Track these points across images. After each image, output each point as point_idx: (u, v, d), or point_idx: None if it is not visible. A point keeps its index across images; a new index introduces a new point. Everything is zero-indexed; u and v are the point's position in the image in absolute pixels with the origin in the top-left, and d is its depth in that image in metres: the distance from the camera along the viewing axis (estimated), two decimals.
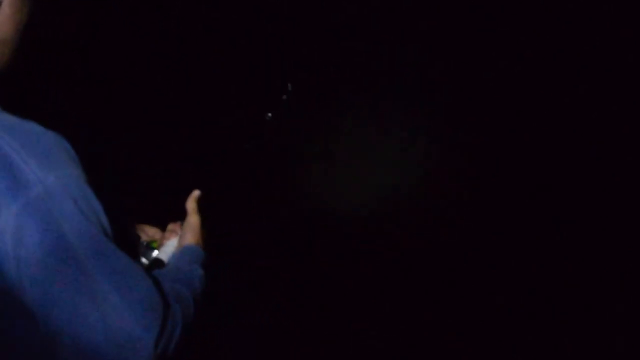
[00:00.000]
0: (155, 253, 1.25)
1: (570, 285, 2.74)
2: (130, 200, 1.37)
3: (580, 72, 3.04)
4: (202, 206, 1.27)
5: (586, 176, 2.97)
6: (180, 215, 1.27)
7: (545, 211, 2.97)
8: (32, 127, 0.86)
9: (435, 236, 2.92)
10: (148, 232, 1.31)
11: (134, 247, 1.23)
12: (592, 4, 2.96)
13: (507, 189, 3.03)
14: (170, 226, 1.29)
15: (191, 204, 1.25)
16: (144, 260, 1.24)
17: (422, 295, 2.78)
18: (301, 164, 3.07)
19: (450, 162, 3.08)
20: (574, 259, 2.81)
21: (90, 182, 0.87)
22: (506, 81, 3.08)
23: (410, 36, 3.12)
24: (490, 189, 3.03)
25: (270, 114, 1.39)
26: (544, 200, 2.98)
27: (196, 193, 1.26)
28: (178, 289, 0.97)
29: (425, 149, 3.13)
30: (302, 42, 3.02)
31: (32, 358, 0.88)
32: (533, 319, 2.68)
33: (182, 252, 1.16)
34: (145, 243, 1.28)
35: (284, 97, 1.42)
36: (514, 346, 2.59)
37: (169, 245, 1.25)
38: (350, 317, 2.68)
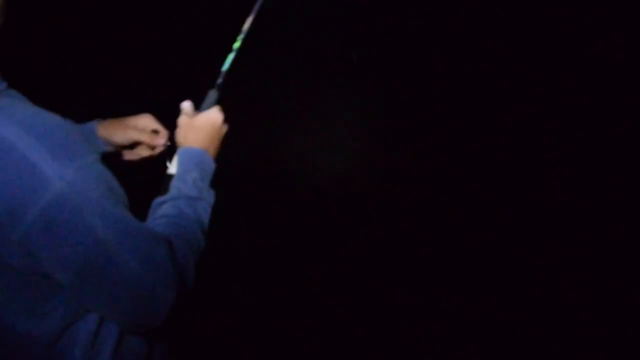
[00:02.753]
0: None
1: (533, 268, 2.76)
2: None
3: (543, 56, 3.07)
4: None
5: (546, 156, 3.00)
6: None
7: (509, 189, 3.00)
8: (43, 118, 0.86)
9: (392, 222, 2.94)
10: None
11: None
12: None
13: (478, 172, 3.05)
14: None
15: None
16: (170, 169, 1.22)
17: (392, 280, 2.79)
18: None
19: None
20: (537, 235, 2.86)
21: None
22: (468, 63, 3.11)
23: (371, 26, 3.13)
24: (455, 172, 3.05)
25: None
26: (510, 180, 3.02)
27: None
28: (187, 237, 1.03)
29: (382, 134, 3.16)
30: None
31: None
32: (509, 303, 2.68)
33: (189, 165, 1.17)
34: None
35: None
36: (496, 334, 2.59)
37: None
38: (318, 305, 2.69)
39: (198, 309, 2.57)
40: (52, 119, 0.86)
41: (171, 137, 1.30)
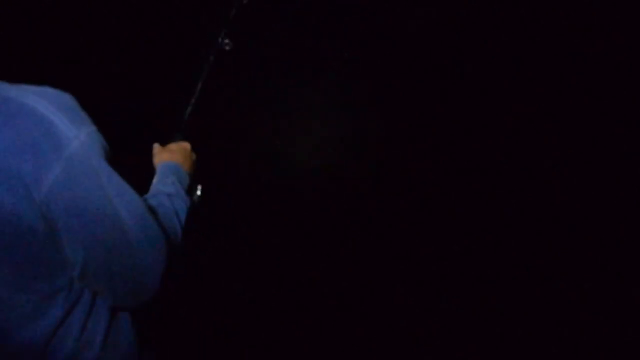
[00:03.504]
0: (199, 190, 1.41)
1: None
2: None
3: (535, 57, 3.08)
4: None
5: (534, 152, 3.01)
6: None
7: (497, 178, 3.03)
8: (55, 90, 0.95)
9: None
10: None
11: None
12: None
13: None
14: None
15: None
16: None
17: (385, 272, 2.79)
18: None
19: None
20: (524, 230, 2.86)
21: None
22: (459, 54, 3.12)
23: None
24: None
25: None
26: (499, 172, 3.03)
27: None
28: (167, 223, 1.12)
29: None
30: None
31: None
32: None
33: (167, 173, 1.32)
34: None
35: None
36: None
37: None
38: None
39: (197, 309, 2.58)
40: (60, 91, 0.95)
41: None
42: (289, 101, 3.13)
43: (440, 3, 3.10)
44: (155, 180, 1.30)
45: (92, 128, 0.94)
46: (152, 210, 1.08)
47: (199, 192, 1.41)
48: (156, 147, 1.46)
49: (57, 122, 0.89)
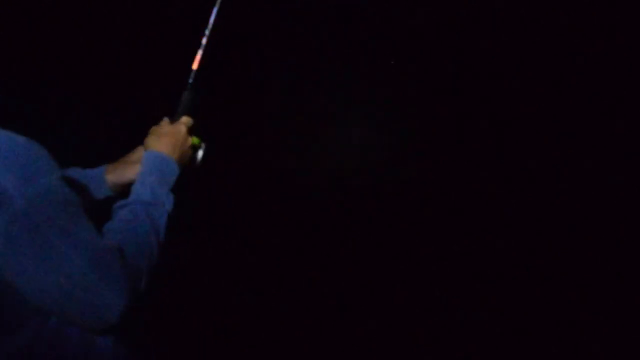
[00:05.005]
0: (200, 153, 1.35)
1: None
2: None
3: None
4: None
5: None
6: None
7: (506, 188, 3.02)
8: (5, 138, 0.93)
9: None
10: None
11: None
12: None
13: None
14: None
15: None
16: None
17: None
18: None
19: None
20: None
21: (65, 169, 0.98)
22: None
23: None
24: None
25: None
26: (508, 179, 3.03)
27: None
28: (140, 242, 1.09)
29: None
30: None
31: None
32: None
33: (151, 168, 1.24)
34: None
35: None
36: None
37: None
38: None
39: (197, 309, 2.58)
40: (14, 139, 0.93)
41: None
42: (293, 103, 3.13)
43: (446, 3, 3.10)
44: (137, 176, 1.24)
45: (47, 179, 0.92)
46: (119, 241, 1.05)
47: (201, 154, 1.35)
48: (153, 127, 1.35)
49: (1, 180, 0.87)
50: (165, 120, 1.36)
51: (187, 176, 1.30)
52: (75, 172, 1.35)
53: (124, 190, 1.35)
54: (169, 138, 1.30)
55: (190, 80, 1.36)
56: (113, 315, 0.95)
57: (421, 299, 2.77)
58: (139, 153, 1.36)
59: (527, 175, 3.06)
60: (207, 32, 1.37)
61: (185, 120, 1.36)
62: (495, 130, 3.10)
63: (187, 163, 1.33)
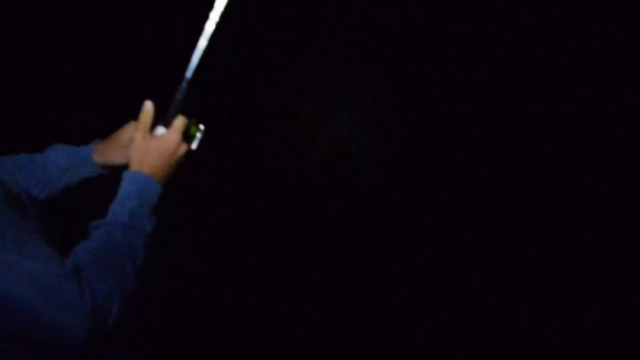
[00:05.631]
0: (196, 143, 1.26)
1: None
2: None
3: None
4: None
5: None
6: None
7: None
8: None
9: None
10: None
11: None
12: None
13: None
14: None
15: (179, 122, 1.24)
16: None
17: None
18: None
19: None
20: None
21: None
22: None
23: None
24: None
25: None
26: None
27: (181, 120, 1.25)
28: (113, 265, 1.04)
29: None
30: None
31: None
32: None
33: (131, 191, 1.16)
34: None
35: None
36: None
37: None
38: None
39: (197, 309, 2.58)
40: None
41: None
42: (292, 100, 3.13)
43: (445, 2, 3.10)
44: (118, 194, 1.16)
45: None
46: (87, 263, 1.01)
47: (198, 137, 1.26)
48: (138, 136, 1.20)
49: None
50: (144, 120, 1.22)
51: (183, 163, 1.24)
52: (61, 150, 1.30)
53: (113, 171, 1.30)
54: (156, 156, 1.19)
55: (187, 75, 1.23)
56: (79, 341, 0.92)
57: (421, 300, 2.77)
58: (128, 130, 1.27)
59: (527, 175, 3.06)
60: (207, 27, 1.22)
61: (180, 124, 1.22)
62: (494, 129, 3.10)
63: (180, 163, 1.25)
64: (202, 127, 1.27)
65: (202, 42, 1.21)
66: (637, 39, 2.98)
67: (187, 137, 1.26)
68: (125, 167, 1.24)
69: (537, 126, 3.09)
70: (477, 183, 3.06)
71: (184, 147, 1.22)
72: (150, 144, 1.19)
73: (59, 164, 1.28)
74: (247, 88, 3.03)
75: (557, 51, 3.09)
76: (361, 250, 2.94)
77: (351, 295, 2.77)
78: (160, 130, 1.24)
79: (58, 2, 2.64)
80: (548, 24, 3.06)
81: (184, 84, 1.23)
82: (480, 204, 3.02)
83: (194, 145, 1.26)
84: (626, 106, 3.02)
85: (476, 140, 3.11)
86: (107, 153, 1.27)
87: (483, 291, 2.77)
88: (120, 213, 1.12)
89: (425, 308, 2.74)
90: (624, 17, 2.98)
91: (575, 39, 3.05)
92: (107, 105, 2.62)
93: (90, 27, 2.75)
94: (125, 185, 1.16)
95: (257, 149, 3.08)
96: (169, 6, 2.80)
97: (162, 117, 1.25)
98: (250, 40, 2.94)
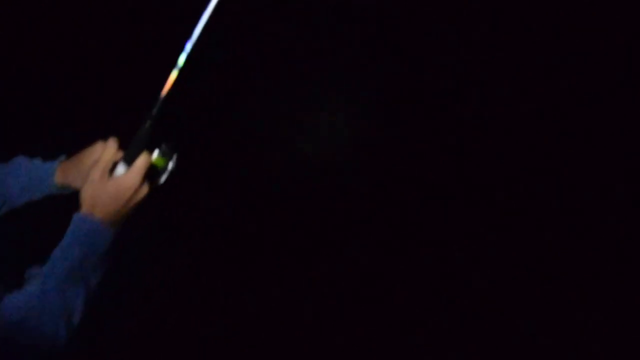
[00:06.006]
0: (164, 177, 1.13)
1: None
2: None
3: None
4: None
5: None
6: None
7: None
8: None
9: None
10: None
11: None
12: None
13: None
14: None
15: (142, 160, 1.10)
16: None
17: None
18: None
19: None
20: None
21: None
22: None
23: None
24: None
25: None
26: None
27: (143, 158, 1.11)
28: (38, 325, 0.99)
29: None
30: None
31: None
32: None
33: (77, 238, 1.05)
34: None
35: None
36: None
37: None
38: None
39: (196, 309, 2.58)
40: None
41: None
42: (290, 100, 3.13)
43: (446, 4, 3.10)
44: (64, 238, 1.06)
45: None
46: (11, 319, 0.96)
47: (168, 169, 1.13)
48: (96, 174, 1.09)
49: None
50: (104, 158, 1.11)
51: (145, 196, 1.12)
52: (24, 166, 1.23)
53: (73, 192, 1.19)
54: (111, 201, 1.08)
55: (154, 111, 1.10)
56: None
57: (421, 300, 2.76)
58: (93, 153, 1.18)
59: (527, 175, 3.06)
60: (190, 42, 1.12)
61: (141, 164, 1.09)
62: (494, 129, 3.10)
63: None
64: (174, 155, 1.14)
65: (173, 74, 1.10)
66: (637, 39, 2.98)
67: (154, 172, 1.13)
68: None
69: (537, 126, 3.09)
70: (477, 183, 3.06)
71: (144, 190, 1.10)
72: (107, 186, 1.08)
73: (19, 181, 1.23)
74: (247, 88, 3.03)
75: (557, 51, 3.09)
76: (361, 250, 2.93)
77: (351, 295, 2.77)
78: (120, 169, 1.11)
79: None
80: (548, 24, 3.06)
81: (148, 119, 1.11)
82: (480, 204, 3.02)
83: (162, 179, 1.14)
84: (626, 106, 3.02)
85: (476, 140, 3.11)
86: (68, 175, 1.21)
87: (483, 291, 2.77)
88: (59, 264, 1.02)
89: (425, 308, 2.74)
90: (624, 17, 2.97)
91: (575, 39, 3.05)
92: (98, 106, 2.63)
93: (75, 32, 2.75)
94: (72, 231, 1.06)
95: (256, 149, 3.08)
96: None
97: (125, 152, 1.12)
98: (249, 40, 2.94)
